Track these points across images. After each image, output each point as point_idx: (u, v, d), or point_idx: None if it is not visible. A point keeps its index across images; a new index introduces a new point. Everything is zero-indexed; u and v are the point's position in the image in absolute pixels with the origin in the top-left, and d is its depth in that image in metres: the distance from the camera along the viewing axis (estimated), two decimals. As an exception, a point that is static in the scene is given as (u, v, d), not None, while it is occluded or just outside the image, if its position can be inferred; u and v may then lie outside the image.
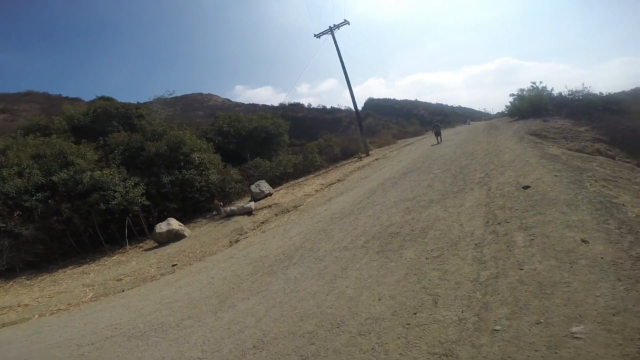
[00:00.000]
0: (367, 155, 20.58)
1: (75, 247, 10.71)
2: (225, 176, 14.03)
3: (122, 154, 12.39)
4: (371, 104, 79.63)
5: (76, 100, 38.11)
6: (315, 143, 20.82)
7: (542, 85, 23.84)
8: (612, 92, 19.39)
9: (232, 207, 11.95)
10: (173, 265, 8.29)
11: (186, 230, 10.95)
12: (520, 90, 24.77)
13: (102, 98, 38.02)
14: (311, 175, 17.31)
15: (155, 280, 7.57)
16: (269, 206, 12.01)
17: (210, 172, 13.26)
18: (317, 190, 12.98)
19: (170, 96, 23.22)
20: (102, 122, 15.71)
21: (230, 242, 9.30)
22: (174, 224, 10.75)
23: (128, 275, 8.36)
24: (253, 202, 12.35)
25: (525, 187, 5.91)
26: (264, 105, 67.42)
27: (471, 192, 6.68)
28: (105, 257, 10.35)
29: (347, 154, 20.78)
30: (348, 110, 62.35)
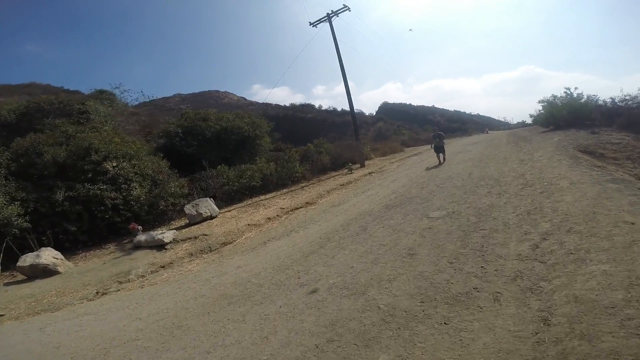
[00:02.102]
0: (362, 166, 16.48)
1: None
2: (160, 190, 10.28)
3: (8, 163, 8.86)
4: (385, 108, 74.78)
5: (74, 93, 35.82)
6: (295, 150, 16.82)
7: (577, 92, 19.13)
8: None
9: (141, 237, 8.20)
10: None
11: (63, 265, 7.33)
12: (552, 97, 20.10)
13: (99, 91, 35.34)
14: (285, 190, 13.37)
15: None
16: (195, 237, 8.20)
17: (132, 185, 9.56)
18: (269, 219, 9.05)
19: (121, 91, 19.88)
20: (32, 119, 12.37)
21: (97, 292, 5.61)
22: (45, 256, 7.17)
23: None
24: (173, 231, 8.59)
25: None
26: (277, 105, 64.19)
27: (497, 303, 2.67)
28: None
29: (340, 164, 16.74)
30: (360, 113, 58.17)
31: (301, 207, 10.11)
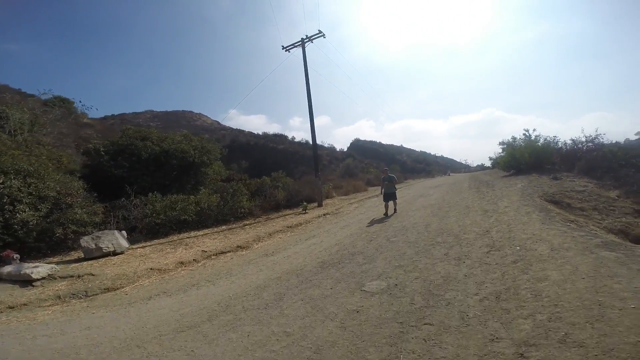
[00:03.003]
0: (320, 205, 14.86)
1: None
2: (60, 216, 8.06)
3: None
4: (357, 144, 75.53)
5: (30, 96, 32.50)
6: (248, 182, 14.99)
7: (535, 133, 19.19)
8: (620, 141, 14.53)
9: (7, 269, 6.06)
10: None
11: None
12: (512, 139, 20.03)
13: (59, 98, 32.24)
14: (223, 228, 11.34)
15: None
16: (79, 276, 6.19)
17: (19, 207, 7.38)
18: (182, 264, 7.02)
19: (46, 97, 17.67)
20: None
21: None
22: None
23: None
24: (52, 266, 6.57)
25: None
26: (250, 132, 62.75)
27: None
28: None
29: (297, 201, 15.01)
30: (331, 149, 57.84)
31: (229, 252, 8.21)
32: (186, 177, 14.60)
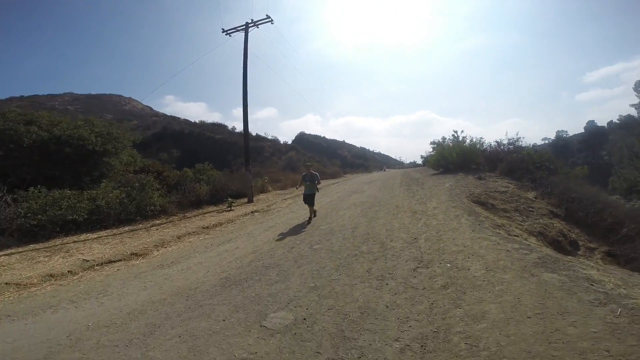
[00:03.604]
0: (250, 202, 13.42)
1: None
2: None
3: None
4: (302, 138, 74.61)
5: None
6: (167, 175, 12.87)
7: (462, 134, 20.12)
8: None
9: None
10: None
11: None
12: (442, 139, 20.71)
13: None
14: (126, 229, 9.34)
15: None
16: None
17: None
18: (50, 276, 5.27)
19: None
20: None
21: None
22: None
23: None
24: None
25: None
26: (185, 120, 57.56)
27: None
28: None
29: (224, 196, 13.31)
30: (274, 141, 55.84)
31: (118, 261, 6.61)
32: (84, 168, 11.95)
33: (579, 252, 7.15)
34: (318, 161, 47.40)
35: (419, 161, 38.11)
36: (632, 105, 36.43)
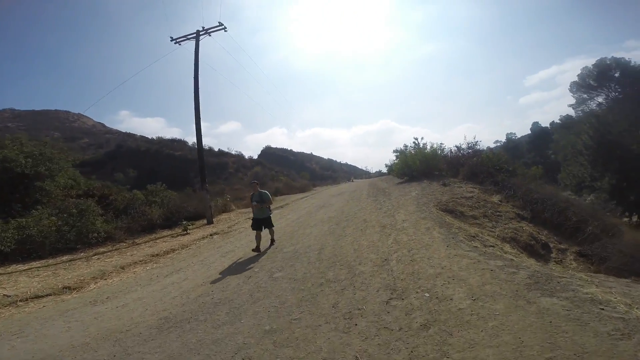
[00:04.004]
0: (210, 223, 12.32)
1: None
2: None
3: None
4: (268, 152, 73.20)
5: None
6: (114, 198, 11.40)
7: (422, 141, 20.45)
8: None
9: None
10: None
11: None
12: (404, 146, 20.86)
13: None
14: (63, 259, 7.92)
15: None
16: None
17: None
18: None
19: None
20: None
21: None
22: None
23: None
24: None
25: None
26: (142, 137, 53.98)
27: None
28: None
29: (180, 219, 12.06)
30: (238, 156, 53.96)
31: (47, 296, 5.71)
32: (13, 195, 10.25)
33: (552, 255, 7.02)
34: (286, 175, 46.43)
35: (384, 170, 38.58)
36: (570, 106, 39.74)
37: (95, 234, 9.41)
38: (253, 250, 6.49)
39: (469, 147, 14.18)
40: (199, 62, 13.59)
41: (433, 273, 3.49)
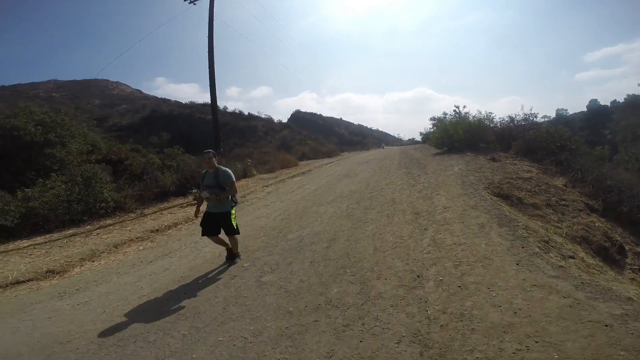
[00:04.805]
0: (225, 189, 11.46)
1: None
2: None
3: None
4: (297, 116, 71.41)
5: None
6: (136, 161, 10.74)
7: (465, 110, 17.87)
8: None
9: None
10: None
11: None
12: (443, 115, 18.44)
13: None
14: (70, 232, 7.45)
15: None
16: None
17: None
18: None
19: None
20: None
21: None
22: None
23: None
24: None
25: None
26: (176, 102, 54.48)
27: None
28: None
29: (192, 186, 11.29)
30: (268, 119, 52.88)
31: (26, 282, 5.24)
32: (22, 163, 9.88)
33: (627, 261, 5.31)
34: (314, 139, 44.88)
35: (418, 138, 35.69)
36: (641, 84, 33.98)
37: (103, 204, 8.81)
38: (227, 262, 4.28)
39: (524, 119, 11.74)
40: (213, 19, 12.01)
41: (498, 322, 2.05)
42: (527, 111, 12.11)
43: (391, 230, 4.33)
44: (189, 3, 12.98)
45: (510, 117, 12.21)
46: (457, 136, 11.78)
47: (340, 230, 4.76)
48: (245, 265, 4.13)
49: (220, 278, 3.86)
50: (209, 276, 4.02)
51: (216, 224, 4.08)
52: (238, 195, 4.39)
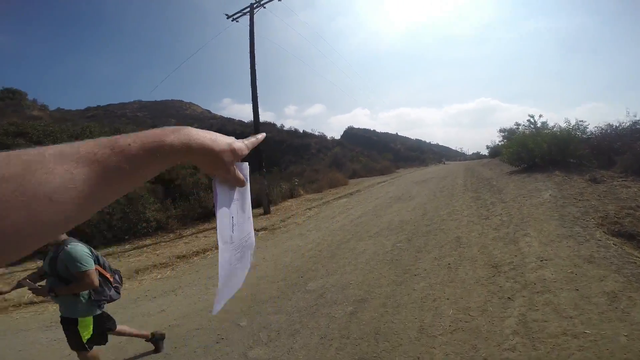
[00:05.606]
0: (267, 212, 10.74)
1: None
2: None
3: None
4: (350, 133, 70.78)
5: None
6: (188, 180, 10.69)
7: (541, 120, 15.00)
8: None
9: None
10: None
11: None
12: (515, 125, 15.90)
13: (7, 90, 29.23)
14: (108, 251, 7.42)
15: None
16: None
17: None
18: None
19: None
20: None
21: None
22: None
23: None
24: None
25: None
26: (239, 121, 58.43)
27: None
28: None
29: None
30: (321, 137, 53.15)
31: (22, 306, 4.58)
32: None
33: None
34: (367, 156, 43.27)
35: (484, 152, 31.81)
36: None
37: (145, 224, 8.71)
38: None
39: (632, 127, 8.99)
40: (254, 37, 11.83)
41: None
42: (632, 118, 9.28)
43: (452, 295, 2.87)
44: (232, 20, 13.14)
45: (610, 124, 9.48)
46: (540, 150, 9.45)
47: (377, 286, 3.42)
48: (241, 324, 3.05)
49: (205, 336, 2.85)
50: (198, 329, 3.05)
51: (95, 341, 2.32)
52: (113, 292, 2.43)
